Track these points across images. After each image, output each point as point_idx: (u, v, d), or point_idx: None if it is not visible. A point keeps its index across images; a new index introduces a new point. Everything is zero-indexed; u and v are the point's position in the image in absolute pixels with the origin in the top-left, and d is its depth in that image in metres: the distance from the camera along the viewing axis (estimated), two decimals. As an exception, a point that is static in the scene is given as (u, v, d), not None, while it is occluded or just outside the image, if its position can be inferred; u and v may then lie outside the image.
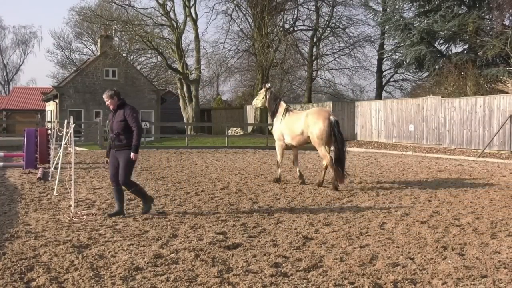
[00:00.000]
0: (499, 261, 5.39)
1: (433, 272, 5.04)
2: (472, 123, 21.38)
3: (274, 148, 12.59)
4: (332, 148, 10.75)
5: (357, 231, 6.76)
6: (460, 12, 26.43)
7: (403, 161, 18.00)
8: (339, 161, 10.49)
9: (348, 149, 25.24)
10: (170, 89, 51.46)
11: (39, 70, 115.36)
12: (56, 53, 69.54)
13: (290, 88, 48.23)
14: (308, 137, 10.99)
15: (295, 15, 39.13)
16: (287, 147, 11.88)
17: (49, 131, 16.08)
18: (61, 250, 5.69)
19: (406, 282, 4.75)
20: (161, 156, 20.09)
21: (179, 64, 36.45)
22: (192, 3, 35.95)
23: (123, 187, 7.71)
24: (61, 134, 11.35)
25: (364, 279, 4.79)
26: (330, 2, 38.30)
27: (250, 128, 36.35)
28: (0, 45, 76.43)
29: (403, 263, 5.33)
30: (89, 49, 56.22)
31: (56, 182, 10.27)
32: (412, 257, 5.57)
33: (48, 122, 33.43)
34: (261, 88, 13.69)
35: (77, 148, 22.27)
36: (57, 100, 37.37)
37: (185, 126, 35.72)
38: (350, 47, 39.97)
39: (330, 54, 41.30)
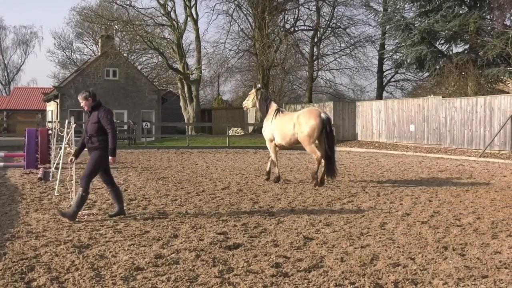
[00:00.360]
0: (500, 261, 5.39)
1: (434, 272, 5.03)
2: (473, 123, 21.36)
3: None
4: (323, 145, 10.96)
5: (358, 231, 6.76)
6: (461, 12, 26.41)
7: (404, 161, 17.99)
8: (328, 158, 10.74)
9: (349, 149, 25.35)
10: (170, 89, 51.49)
11: (39, 70, 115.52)
12: (56, 53, 69.54)
13: (291, 88, 48.20)
14: (299, 136, 11.15)
15: (296, 15, 39.13)
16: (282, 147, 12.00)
17: (50, 131, 16.09)
18: (62, 250, 5.69)
19: (407, 282, 4.75)
20: (161, 156, 20.09)
21: (180, 64, 36.47)
22: (193, 3, 35.99)
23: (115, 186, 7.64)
24: (62, 134, 11.36)
25: (365, 279, 4.79)
26: (331, 2, 38.28)
27: (250, 128, 36.35)
28: (1, 45, 76.56)
29: (404, 263, 5.33)
30: (90, 49, 56.30)
31: (57, 182, 10.27)
32: (413, 257, 5.56)
33: (49, 122, 33.42)
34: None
35: (78, 148, 22.27)
36: (57, 100, 37.41)
37: (186, 126, 35.73)
38: (351, 47, 39.94)
39: (331, 54, 41.29)
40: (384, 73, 40.99)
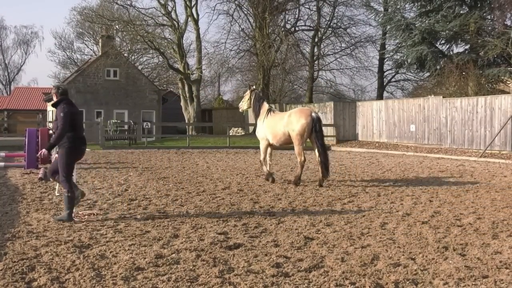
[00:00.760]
0: (500, 262, 5.39)
1: (434, 273, 5.03)
2: (474, 123, 21.35)
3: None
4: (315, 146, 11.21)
5: (358, 231, 6.76)
6: (461, 12, 26.39)
7: (405, 161, 17.99)
8: (321, 156, 10.94)
9: (349, 149, 25.35)
10: (171, 89, 51.52)
11: (40, 70, 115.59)
12: (57, 53, 69.68)
13: (291, 88, 48.23)
14: (290, 135, 11.33)
15: (297, 15, 39.12)
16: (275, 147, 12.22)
17: (51, 131, 16.08)
18: (63, 250, 5.70)
19: (407, 282, 4.74)
20: (162, 156, 20.10)
21: (181, 64, 36.47)
22: (193, 3, 35.99)
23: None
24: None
25: (365, 279, 4.79)
26: (332, 2, 38.26)
27: (251, 128, 36.32)
28: (1, 45, 76.60)
29: (405, 263, 5.33)
30: (91, 49, 56.32)
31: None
32: (413, 257, 5.56)
33: (50, 122, 33.42)
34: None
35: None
36: (58, 100, 37.34)
37: (186, 126, 35.71)
38: (351, 47, 39.93)
39: (332, 54, 41.29)
40: (385, 73, 40.98)
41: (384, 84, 41.16)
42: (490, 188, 11.07)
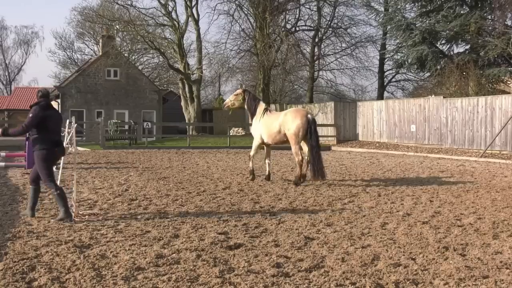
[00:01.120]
0: (501, 262, 5.39)
1: (434, 273, 5.03)
2: (474, 123, 21.35)
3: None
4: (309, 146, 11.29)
5: (358, 232, 6.76)
6: (462, 12, 26.38)
7: (405, 161, 17.99)
8: (315, 157, 11.02)
9: (350, 149, 25.34)
10: (171, 89, 51.49)
11: (40, 70, 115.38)
12: (58, 53, 69.53)
13: (292, 88, 48.20)
14: (285, 135, 11.48)
15: (297, 15, 39.09)
16: (268, 146, 12.31)
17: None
18: (63, 250, 5.70)
19: (408, 282, 4.74)
20: (162, 156, 20.10)
21: (181, 64, 36.47)
22: (194, 3, 36.00)
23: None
24: (63, 134, 11.35)
25: (366, 280, 4.79)
26: (332, 3, 38.25)
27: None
28: (2, 45, 76.59)
29: (405, 263, 5.33)
30: (91, 49, 56.37)
31: (58, 182, 10.25)
32: (413, 257, 5.56)
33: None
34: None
35: (79, 148, 22.30)
36: (58, 100, 37.41)
37: (187, 126, 35.70)
38: (351, 47, 39.92)
39: (332, 54, 41.27)
40: (385, 73, 40.98)
41: (385, 84, 41.16)
42: (490, 188, 11.07)
